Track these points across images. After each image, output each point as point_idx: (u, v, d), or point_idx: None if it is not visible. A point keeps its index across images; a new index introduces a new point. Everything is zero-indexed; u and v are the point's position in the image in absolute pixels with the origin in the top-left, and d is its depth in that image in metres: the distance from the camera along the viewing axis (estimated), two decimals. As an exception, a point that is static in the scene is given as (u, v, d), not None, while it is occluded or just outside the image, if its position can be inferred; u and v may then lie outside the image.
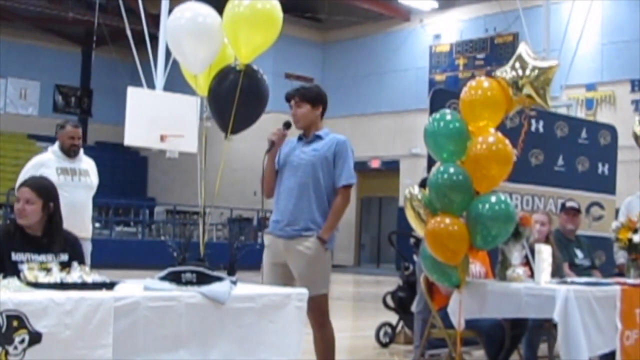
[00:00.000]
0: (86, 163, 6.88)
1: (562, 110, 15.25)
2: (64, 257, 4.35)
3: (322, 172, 5.48)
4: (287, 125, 5.49)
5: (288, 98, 5.59)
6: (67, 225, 6.28)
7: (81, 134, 6.88)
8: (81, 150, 6.84)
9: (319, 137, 5.58)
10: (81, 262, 4.36)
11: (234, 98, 4.68)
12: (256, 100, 4.86)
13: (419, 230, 5.78)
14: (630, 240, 6.75)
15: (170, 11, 14.69)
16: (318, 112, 5.61)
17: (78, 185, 6.68)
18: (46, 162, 6.67)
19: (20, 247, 4.26)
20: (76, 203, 6.52)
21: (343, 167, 5.53)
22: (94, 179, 6.86)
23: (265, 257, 5.53)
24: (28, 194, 4.37)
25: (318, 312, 5.39)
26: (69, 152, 6.72)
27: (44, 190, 4.46)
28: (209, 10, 4.64)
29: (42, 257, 4.28)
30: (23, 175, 6.51)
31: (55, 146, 6.81)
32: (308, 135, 5.58)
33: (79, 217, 6.53)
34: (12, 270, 4.08)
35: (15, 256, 4.22)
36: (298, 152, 5.52)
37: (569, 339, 5.34)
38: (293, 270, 5.45)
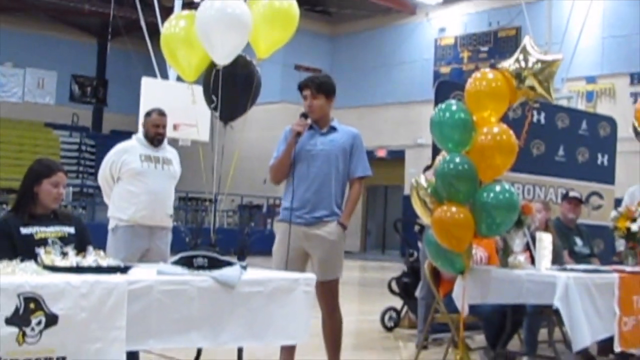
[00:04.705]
0: (170, 152, 6.59)
1: (563, 102, 15.21)
2: (70, 229, 4.37)
3: (341, 162, 5.50)
4: (305, 115, 5.46)
5: (301, 87, 5.55)
6: (147, 213, 6.26)
7: (166, 122, 6.55)
8: (165, 140, 6.56)
9: (333, 129, 5.58)
10: (86, 236, 4.37)
11: (241, 88, 4.70)
12: (255, 90, 4.88)
13: (424, 218, 5.77)
14: (628, 229, 6.75)
15: (183, 4, 14.72)
16: (331, 104, 5.61)
17: (161, 174, 6.39)
18: (129, 149, 6.40)
19: (30, 222, 4.26)
20: (158, 191, 6.32)
21: (360, 159, 5.62)
22: (177, 168, 6.58)
23: (278, 245, 5.51)
24: (65, 179, 4.39)
25: (331, 295, 5.44)
26: (153, 140, 6.41)
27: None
28: (238, 2, 4.61)
29: (50, 229, 4.30)
30: (107, 161, 6.41)
31: (140, 134, 6.52)
32: (322, 126, 5.55)
33: (160, 205, 6.34)
34: (22, 243, 4.11)
35: (24, 230, 4.22)
36: (314, 142, 5.49)
37: (572, 325, 5.34)
38: (313, 255, 5.45)
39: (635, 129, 7.52)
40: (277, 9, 4.79)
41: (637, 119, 7.51)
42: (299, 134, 5.42)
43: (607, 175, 9.47)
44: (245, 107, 4.90)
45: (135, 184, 6.29)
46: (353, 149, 5.57)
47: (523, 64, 5.69)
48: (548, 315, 6.00)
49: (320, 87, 5.53)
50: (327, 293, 5.34)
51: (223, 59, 4.64)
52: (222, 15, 4.53)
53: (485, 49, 24.49)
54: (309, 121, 5.47)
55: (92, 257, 3.67)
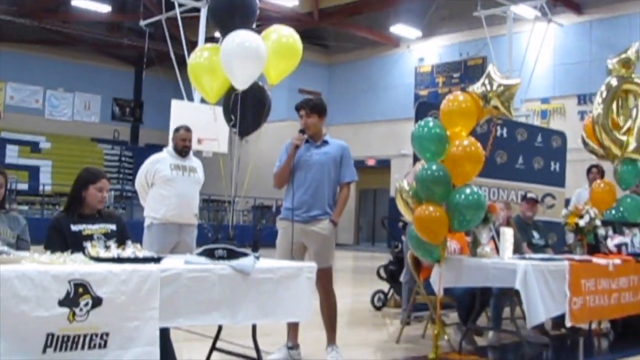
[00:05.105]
0: (195, 162, 6.60)
1: (522, 119, 15.19)
2: (113, 226, 4.35)
3: (332, 170, 5.49)
4: (302, 131, 5.48)
5: (298, 108, 5.55)
6: (176, 213, 6.26)
7: (192, 137, 6.56)
8: (191, 151, 6.58)
9: (326, 142, 5.57)
10: (125, 232, 4.35)
11: (255, 108, 4.71)
12: (266, 110, 4.89)
13: (406, 215, 5.77)
14: (577, 224, 6.75)
15: (206, 39, 14.71)
16: (323, 121, 5.60)
17: (187, 180, 6.40)
18: (161, 160, 6.42)
19: (78, 221, 4.25)
20: (185, 195, 6.32)
21: (348, 167, 5.58)
22: (200, 175, 6.58)
23: (280, 239, 5.50)
24: (108, 184, 4.38)
25: (326, 280, 5.42)
26: (181, 151, 6.44)
27: None
28: (255, 36, 4.61)
29: (95, 226, 4.28)
30: (143, 169, 6.43)
31: (170, 147, 6.57)
32: (317, 140, 5.55)
33: (186, 206, 6.33)
34: (72, 238, 4.10)
35: (74, 227, 4.21)
36: (310, 153, 5.49)
37: (529, 304, 5.34)
38: (309, 247, 5.44)
39: (583, 140, 7.53)
40: (284, 44, 4.81)
41: (585, 132, 7.52)
42: (297, 147, 5.42)
43: (558, 179, 9.46)
44: (258, 124, 4.90)
45: (166, 188, 6.29)
46: (342, 159, 5.55)
47: (488, 87, 5.69)
48: (510, 296, 6.00)
49: (313, 107, 5.53)
50: (323, 278, 5.31)
51: (242, 85, 4.65)
52: (242, 49, 4.53)
53: (457, 75, 24.46)
54: (305, 136, 5.47)
55: (130, 250, 3.67)
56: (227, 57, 4.57)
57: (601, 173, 8.34)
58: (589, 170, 8.51)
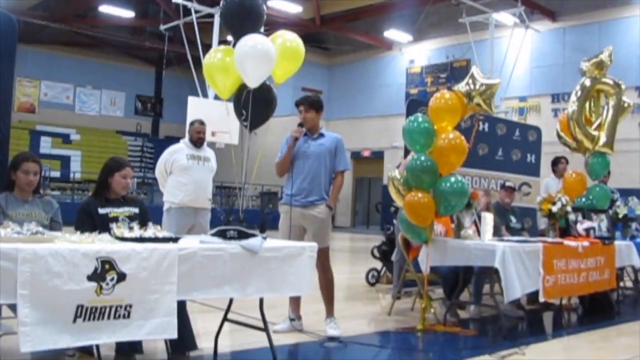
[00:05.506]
0: (209, 152, 6.59)
1: (501, 115, 15.13)
2: (135, 210, 4.34)
3: (328, 160, 5.47)
4: (301, 125, 5.47)
5: (297, 104, 5.54)
6: (192, 198, 6.28)
7: (206, 129, 6.54)
8: (205, 143, 6.55)
9: (322, 135, 5.56)
10: (147, 215, 4.34)
11: (263, 104, 4.68)
12: (273, 106, 4.87)
13: (398, 201, 5.77)
14: (549, 210, 6.75)
15: (219, 41, 14.63)
16: (320, 116, 5.59)
17: (202, 168, 6.39)
18: (179, 150, 6.41)
19: (105, 205, 4.24)
20: (200, 181, 6.32)
21: (342, 157, 5.56)
22: (214, 164, 6.57)
23: (282, 221, 5.49)
24: (131, 172, 4.37)
25: (324, 258, 5.41)
26: (196, 143, 6.43)
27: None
28: (266, 40, 4.58)
29: (120, 210, 4.27)
30: (162, 159, 6.42)
31: (186, 138, 6.56)
32: (314, 133, 5.54)
33: (202, 192, 6.33)
34: (100, 220, 4.10)
35: (102, 210, 4.20)
36: (308, 145, 5.48)
37: (507, 281, 5.34)
38: (308, 229, 5.42)
39: (558, 134, 7.53)
40: (289, 47, 4.78)
41: (560, 126, 7.52)
42: (296, 139, 5.41)
43: (534, 170, 9.46)
44: (266, 119, 4.89)
45: (183, 176, 6.29)
46: (337, 150, 5.53)
47: (472, 86, 5.68)
48: (490, 274, 6.00)
49: (311, 104, 5.52)
50: (321, 257, 5.28)
51: (254, 83, 4.62)
52: (255, 51, 4.50)
53: (444, 75, 24.40)
54: (304, 129, 5.46)
55: (151, 230, 3.67)
56: (241, 58, 4.55)
57: (567, 164, 8.42)
58: (557, 162, 8.53)
